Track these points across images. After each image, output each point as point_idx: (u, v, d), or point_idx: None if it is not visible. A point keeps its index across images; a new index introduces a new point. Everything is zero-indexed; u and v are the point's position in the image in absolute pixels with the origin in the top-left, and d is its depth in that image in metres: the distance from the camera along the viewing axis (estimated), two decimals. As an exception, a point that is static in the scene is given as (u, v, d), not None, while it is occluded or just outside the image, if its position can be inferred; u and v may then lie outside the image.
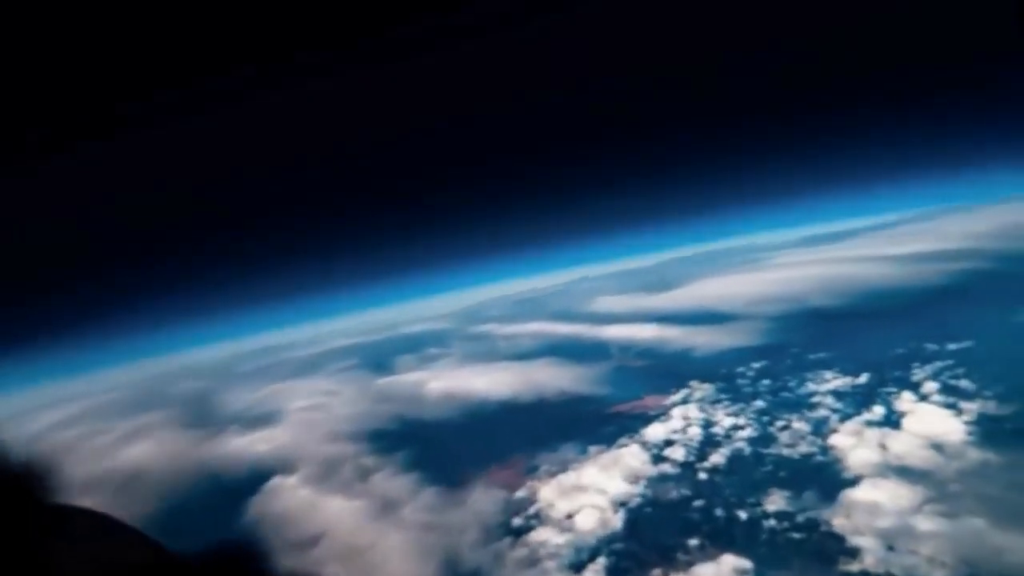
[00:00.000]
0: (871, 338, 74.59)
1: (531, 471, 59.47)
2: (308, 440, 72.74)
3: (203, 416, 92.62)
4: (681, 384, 74.33)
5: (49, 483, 3.17)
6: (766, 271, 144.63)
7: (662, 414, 67.17)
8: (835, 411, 58.99)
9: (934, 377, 60.21)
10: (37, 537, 2.96)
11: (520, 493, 55.61)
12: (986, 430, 47.75)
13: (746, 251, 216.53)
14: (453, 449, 65.78)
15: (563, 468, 58.41)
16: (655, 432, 62.90)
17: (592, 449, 61.42)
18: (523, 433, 67.45)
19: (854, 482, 46.02)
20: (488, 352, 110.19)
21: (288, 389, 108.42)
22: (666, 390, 73.40)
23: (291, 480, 62.40)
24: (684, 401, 69.76)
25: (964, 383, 56.78)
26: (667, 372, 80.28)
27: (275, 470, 64.61)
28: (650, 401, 71.89)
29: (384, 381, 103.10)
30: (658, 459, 57.61)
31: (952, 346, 66.65)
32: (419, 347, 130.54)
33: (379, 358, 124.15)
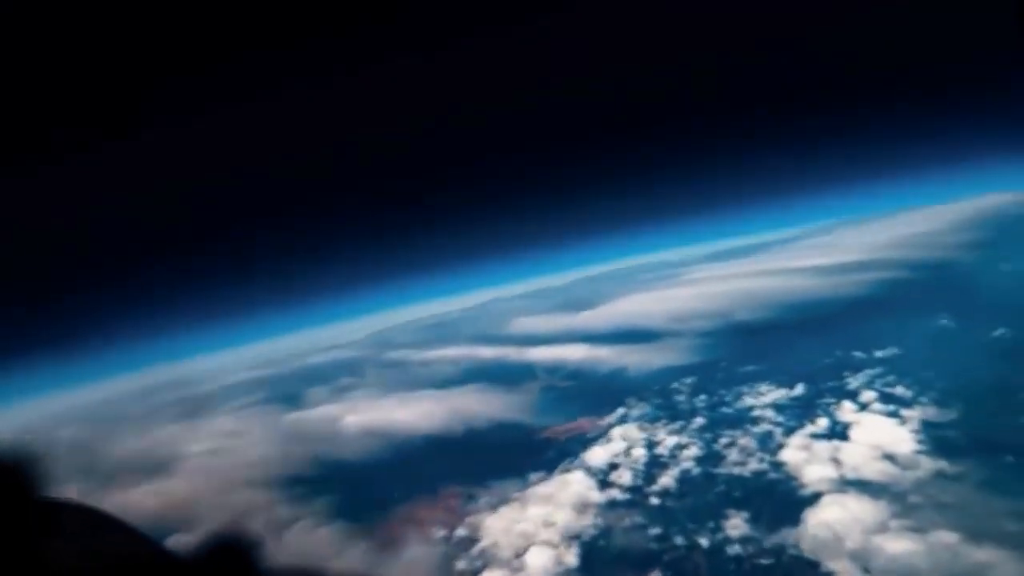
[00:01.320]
0: (799, 349, 74.97)
1: (469, 506, 54.80)
2: (209, 490, 64.01)
3: (80, 469, 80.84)
4: (616, 404, 71.79)
5: (40, 479, 2.95)
6: (683, 287, 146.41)
7: (601, 436, 64.29)
8: (778, 424, 57.87)
9: (869, 385, 60.49)
10: (29, 533, 2.83)
11: (461, 531, 50.79)
12: (932, 437, 47.42)
13: (657, 267, 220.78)
14: (380, 490, 59.57)
15: (504, 500, 54.25)
16: (597, 456, 59.75)
17: (533, 477, 57.64)
18: (456, 466, 62.33)
19: (814, 499, 44.26)
20: (407, 380, 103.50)
21: (183, 431, 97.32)
22: (601, 411, 70.61)
23: (190, 540, 54.11)
24: (621, 421, 67.13)
25: (900, 390, 57.02)
26: (600, 393, 77.60)
27: (170, 529, 55.96)
28: (586, 423, 68.88)
29: (294, 417, 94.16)
30: (605, 484, 54.38)
31: (879, 353, 67.47)
32: (330, 378, 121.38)
33: (286, 391, 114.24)
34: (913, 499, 41.02)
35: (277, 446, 77.78)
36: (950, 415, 49.90)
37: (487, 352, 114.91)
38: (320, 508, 56.23)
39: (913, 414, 51.72)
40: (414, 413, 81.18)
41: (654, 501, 50.70)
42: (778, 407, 61.50)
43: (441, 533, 51.27)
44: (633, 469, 56.24)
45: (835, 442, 50.77)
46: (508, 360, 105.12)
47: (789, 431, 55.70)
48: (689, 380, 74.58)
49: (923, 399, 53.86)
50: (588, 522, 49.10)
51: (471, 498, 56.16)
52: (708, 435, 59.49)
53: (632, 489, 53.03)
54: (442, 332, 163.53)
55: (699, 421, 63.10)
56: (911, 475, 43.56)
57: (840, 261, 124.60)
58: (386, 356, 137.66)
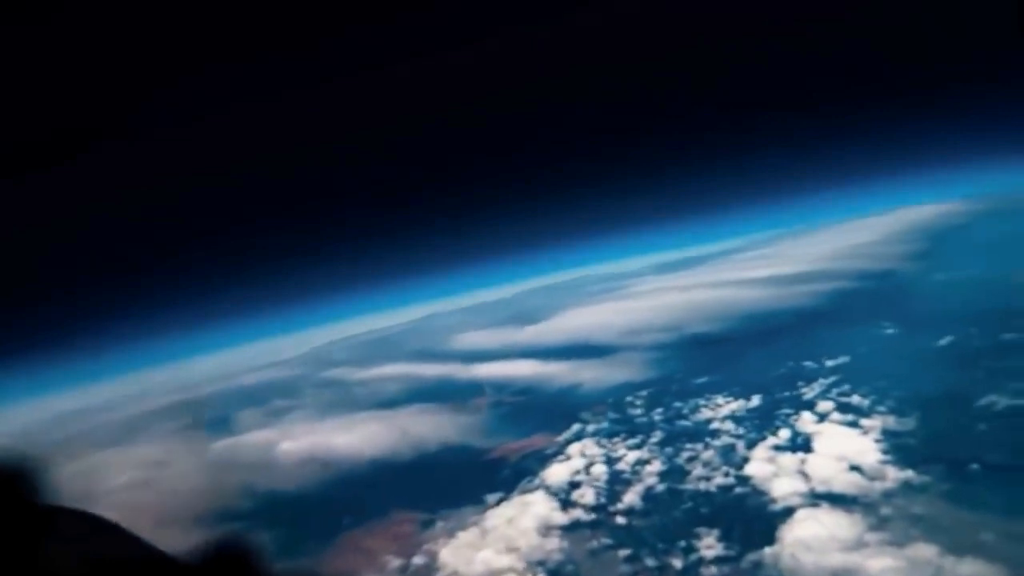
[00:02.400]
0: (751, 361, 74.84)
1: (425, 533, 51.59)
2: (133, 528, 57.89)
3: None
4: (570, 421, 69.69)
5: (39, 484, 2.94)
6: (631, 299, 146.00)
7: (558, 453, 62.06)
8: (738, 437, 56.83)
9: (823, 394, 60.38)
10: (27, 538, 2.83)
11: (417, 560, 47.41)
12: (895, 447, 47.08)
13: (603, 280, 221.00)
14: (323, 522, 55.22)
15: (462, 525, 51.27)
16: (557, 474, 57.45)
17: (490, 499, 54.98)
18: (406, 492, 58.79)
19: (786, 514, 42.97)
20: (347, 401, 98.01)
21: (100, 461, 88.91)
22: (555, 428, 68.35)
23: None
24: (578, 437, 65.08)
25: (856, 399, 56.92)
26: (552, 409, 75.22)
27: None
28: (540, 440, 66.47)
29: (224, 444, 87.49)
30: (567, 504, 51.99)
31: (830, 363, 67.80)
32: (262, 400, 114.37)
33: (215, 416, 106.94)
34: (885, 511, 40.20)
35: (205, 477, 71.43)
36: (909, 424, 49.83)
37: (431, 369, 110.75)
38: (258, 545, 51.17)
39: (873, 424, 51.47)
40: (357, 436, 76.54)
41: (620, 520, 48.69)
42: (736, 419, 60.65)
43: (396, 563, 47.75)
44: (595, 487, 54.14)
45: (799, 454, 49.84)
46: (454, 377, 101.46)
47: (751, 443, 54.67)
48: (644, 394, 73.21)
49: (880, 408, 53.78)
50: (553, 546, 46.63)
51: (426, 524, 52.79)
52: (669, 449, 57.99)
53: (596, 508, 50.92)
54: (382, 349, 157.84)
55: (658, 435, 61.64)
56: (879, 486, 42.86)
57: (786, 272, 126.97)
58: (323, 375, 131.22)
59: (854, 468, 45.36)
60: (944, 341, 65.33)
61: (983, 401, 49.31)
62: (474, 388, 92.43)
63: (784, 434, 54.28)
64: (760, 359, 74.60)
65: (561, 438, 65.66)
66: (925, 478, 41.91)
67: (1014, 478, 38.66)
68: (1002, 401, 48.37)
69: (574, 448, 62.35)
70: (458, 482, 58.89)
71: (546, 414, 74.25)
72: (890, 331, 74.62)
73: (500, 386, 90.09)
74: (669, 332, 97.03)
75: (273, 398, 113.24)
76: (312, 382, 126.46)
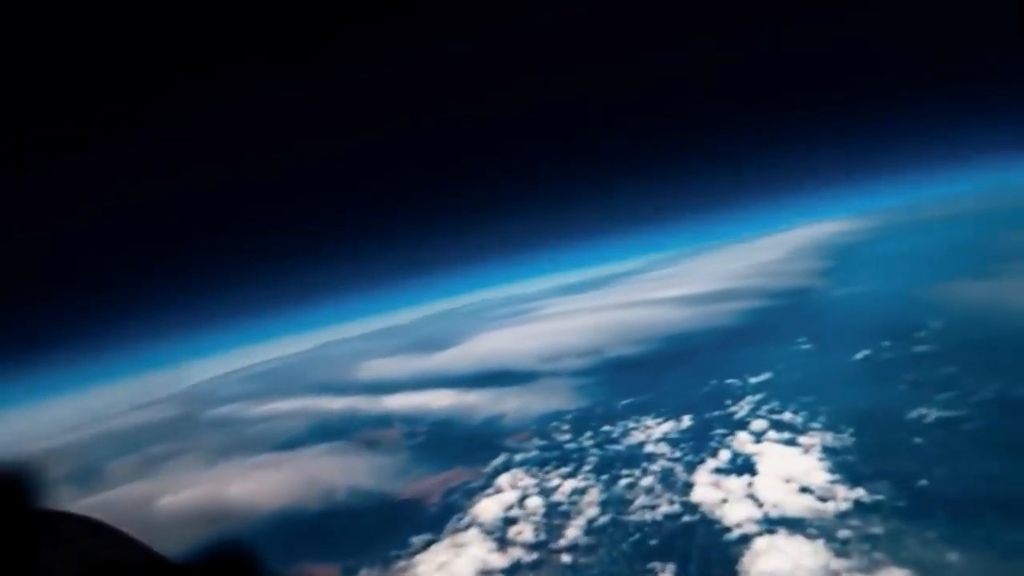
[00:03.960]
0: (674, 381, 73.98)
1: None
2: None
3: None
4: (493, 452, 65.61)
5: (37, 488, 2.92)
6: (541, 323, 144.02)
7: (486, 486, 57.83)
8: (676, 460, 54.77)
9: (754, 412, 59.73)
10: (25, 542, 2.79)
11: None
12: (838, 465, 46.28)
13: (507, 303, 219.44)
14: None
15: (390, 573, 46.02)
16: (488, 509, 53.22)
17: (417, 541, 49.95)
18: (319, 544, 52.48)
19: (742, 543, 40.73)
20: (239, 443, 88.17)
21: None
22: (478, 461, 64.04)
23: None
24: (504, 468, 61.05)
25: (788, 416, 56.60)
26: (474, 440, 70.90)
27: None
28: (464, 473, 61.84)
29: (92, 501, 75.06)
30: (505, 543, 47.69)
31: (753, 380, 67.98)
32: (137, 446, 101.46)
33: (81, 466, 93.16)
34: (843, 534, 38.69)
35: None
36: (846, 440, 49.34)
37: (334, 403, 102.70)
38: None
39: (811, 441, 50.69)
40: (254, 485, 67.94)
41: (566, 559, 44.74)
42: (671, 441, 58.77)
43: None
44: (533, 522, 50.14)
45: (745, 477, 48.04)
46: (361, 411, 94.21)
47: (690, 467, 52.63)
48: (570, 419, 70.36)
49: (815, 425, 53.30)
50: (498, 595, 42.13)
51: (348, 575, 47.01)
52: (605, 476, 55.08)
53: (538, 546, 46.87)
54: (275, 382, 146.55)
55: (591, 461, 58.79)
56: (832, 507, 41.45)
57: (696, 292, 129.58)
58: (209, 414, 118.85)
59: (804, 490, 43.92)
60: (860, 355, 66.99)
61: (913, 414, 49.66)
62: (384, 422, 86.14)
63: (724, 455, 52.64)
64: (683, 379, 73.93)
65: (487, 470, 61.51)
66: (877, 496, 40.88)
67: (964, 493, 38.37)
68: (932, 413, 48.83)
69: (503, 480, 58.44)
70: (378, 525, 53.53)
71: (467, 446, 69.81)
72: (806, 347, 76.19)
73: (414, 418, 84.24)
74: (587, 355, 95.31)
75: (151, 443, 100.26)
76: (196, 423, 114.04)
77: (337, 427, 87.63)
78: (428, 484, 61.63)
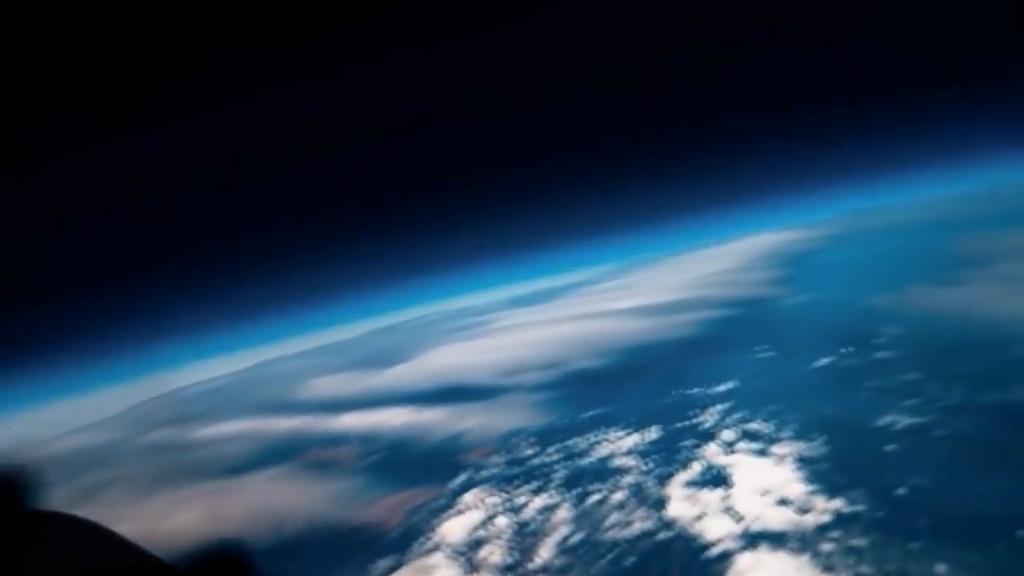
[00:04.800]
0: (637, 392, 72.73)
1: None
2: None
3: None
4: (454, 470, 63.06)
5: (31, 490, 3.01)
6: (496, 336, 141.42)
7: (450, 506, 55.29)
8: (646, 473, 53.32)
9: (721, 422, 58.83)
10: (19, 544, 2.81)
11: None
12: (813, 475, 45.51)
13: (458, 316, 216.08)
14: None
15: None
16: (454, 530, 50.74)
17: (380, 566, 47.38)
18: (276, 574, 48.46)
19: (723, 560, 39.34)
20: (181, 470, 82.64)
21: None
22: (441, 479, 61.45)
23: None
24: (467, 487, 58.65)
25: (756, 426, 55.99)
26: (434, 459, 68.08)
27: None
28: (425, 493, 59.17)
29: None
30: (474, 567, 45.31)
31: (717, 389, 67.40)
32: (70, 473, 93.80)
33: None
34: (826, 547, 37.75)
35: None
36: (818, 450, 48.82)
37: (281, 424, 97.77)
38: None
39: (783, 451, 49.93)
40: (196, 515, 63.34)
41: (541, 583, 42.61)
42: (639, 454, 57.33)
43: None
44: (502, 543, 47.79)
45: (720, 490, 46.82)
46: (310, 432, 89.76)
47: (661, 480, 51.15)
48: (534, 433, 68.30)
49: (785, 435, 52.49)
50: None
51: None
52: (574, 492, 53.11)
53: (510, 569, 44.59)
54: (215, 403, 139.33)
55: (558, 476, 56.81)
56: (812, 520, 40.44)
57: (651, 302, 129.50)
58: (147, 438, 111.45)
59: (783, 502, 42.92)
60: (822, 362, 67.15)
61: (882, 422, 49.33)
62: (337, 442, 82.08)
63: (696, 468, 51.41)
64: (646, 390, 72.81)
65: (449, 489, 58.99)
66: (857, 507, 40.12)
67: (944, 502, 37.96)
68: (901, 420, 48.57)
69: (467, 498, 56.18)
70: (336, 553, 50.62)
71: (426, 464, 67.12)
72: (767, 355, 76.11)
73: (368, 438, 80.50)
74: (547, 369, 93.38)
75: (86, 471, 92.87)
76: (133, 448, 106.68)
77: (285, 450, 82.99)
78: (387, 506, 58.63)
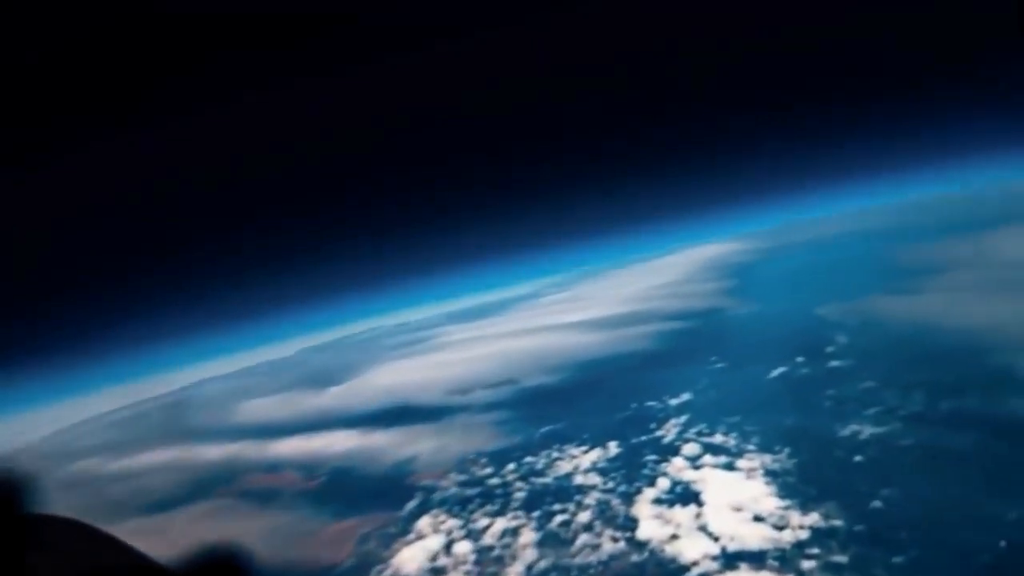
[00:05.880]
0: (592, 406, 70.74)
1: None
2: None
3: None
4: (406, 494, 59.69)
5: (27, 493, 2.89)
6: (441, 352, 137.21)
7: (405, 532, 52.11)
8: (609, 491, 51.36)
9: (682, 436, 57.57)
10: (15, 547, 2.77)
11: None
12: (783, 488, 44.51)
13: (398, 331, 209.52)
14: None
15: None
16: (412, 559, 47.83)
17: None
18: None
19: (704, 583, 37.76)
20: (102, 506, 75.17)
21: None
22: (393, 504, 58.03)
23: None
24: (422, 510, 55.41)
25: (720, 438, 54.85)
26: (385, 483, 64.35)
27: None
28: (378, 519, 55.77)
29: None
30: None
31: (674, 401, 66.57)
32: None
33: None
34: (808, 565, 36.59)
35: None
36: (785, 461, 48.09)
37: (214, 451, 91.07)
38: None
39: (750, 464, 48.85)
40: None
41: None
42: (601, 470, 55.35)
43: None
44: (465, 571, 44.94)
45: (691, 507, 45.26)
46: (246, 460, 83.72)
47: (628, 498, 49.32)
48: (488, 453, 65.40)
49: (749, 447, 51.67)
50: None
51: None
52: (536, 513, 50.62)
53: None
54: (139, 430, 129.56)
55: (519, 497, 54.31)
56: (789, 536, 39.28)
57: (599, 315, 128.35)
58: (65, 470, 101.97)
59: (758, 518, 41.66)
60: (776, 372, 67.04)
61: (846, 431, 48.91)
62: (275, 470, 76.71)
63: (662, 484, 49.80)
64: (601, 404, 70.90)
65: (402, 514, 55.65)
66: (833, 522, 39.14)
67: (922, 514, 37.36)
68: (865, 430, 48.20)
69: (423, 523, 52.94)
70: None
71: (375, 490, 63.35)
72: (721, 366, 75.54)
73: (310, 465, 75.45)
74: (498, 386, 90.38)
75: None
76: (50, 481, 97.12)
77: (218, 480, 77.13)
78: (335, 535, 54.86)
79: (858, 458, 45.43)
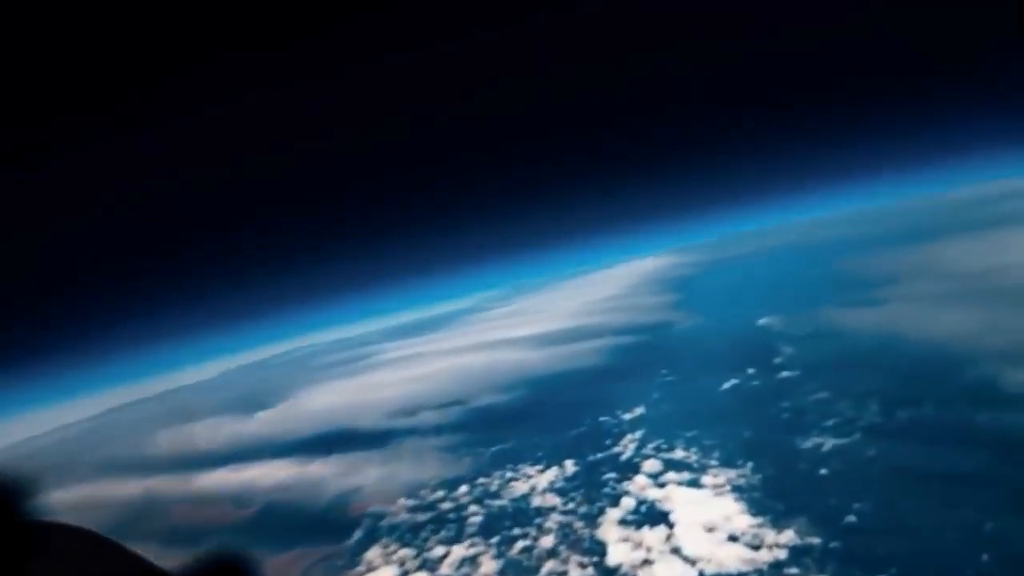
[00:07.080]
0: (544, 423, 68.65)
1: None
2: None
3: None
4: (349, 526, 55.74)
5: (30, 500, 2.91)
6: (380, 371, 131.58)
7: (352, 564, 48.72)
8: (569, 513, 49.09)
9: (640, 452, 56.09)
10: (18, 555, 2.80)
11: None
12: (752, 504, 43.26)
13: (331, 349, 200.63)
14: None
15: None
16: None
17: None
18: None
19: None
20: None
21: None
22: (338, 535, 54.05)
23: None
24: (369, 541, 51.86)
25: (680, 454, 53.59)
26: (327, 514, 60.01)
27: None
28: (322, 551, 51.73)
29: None
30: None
31: (627, 416, 64.77)
32: None
33: None
34: (791, 586, 35.41)
35: None
36: (751, 476, 46.97)
37: (129, 487, 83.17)
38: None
39: (715, 480, 47.54)
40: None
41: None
42: (559, 491, 53.08)
43: None
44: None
45: (660, 528, 43.43)
46: (169, 494, 76.73)
47: (589, 519, 47.14)
48: (437, 476, 62.00)
49: (711, 462, 50.66)
50: None
51: None
52: (495, 539, 47.82)
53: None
54: (45, 464, 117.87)
55: (474, 522, 51.32)
56: (767, 555, 37.89)
57: (543, 330, 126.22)
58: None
59: (732, 538, 40.16)
60: (728, 384, 66.62)
61: (808, 444, 48.24)
62: (203, 504, 70.47)
63: (627, 503, 47.89)
64: (553, 422, 68.84)
65: (347, 545, 52.03)
66: (810, 539, 37.97)
67: (899, 528, 36.67)
68: (827, 442, 47.62)
69: (372, 554, 49.57)
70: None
71: (315, 521, 59.01)
72: (671, 379, 74.97)
73: (241, 497, 69.62)
74: (444, 406, 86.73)
75: None
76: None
77: (136, 519, 70.30)
78: (276, 570, 50.27)
79: (823, 471, 44.64)
